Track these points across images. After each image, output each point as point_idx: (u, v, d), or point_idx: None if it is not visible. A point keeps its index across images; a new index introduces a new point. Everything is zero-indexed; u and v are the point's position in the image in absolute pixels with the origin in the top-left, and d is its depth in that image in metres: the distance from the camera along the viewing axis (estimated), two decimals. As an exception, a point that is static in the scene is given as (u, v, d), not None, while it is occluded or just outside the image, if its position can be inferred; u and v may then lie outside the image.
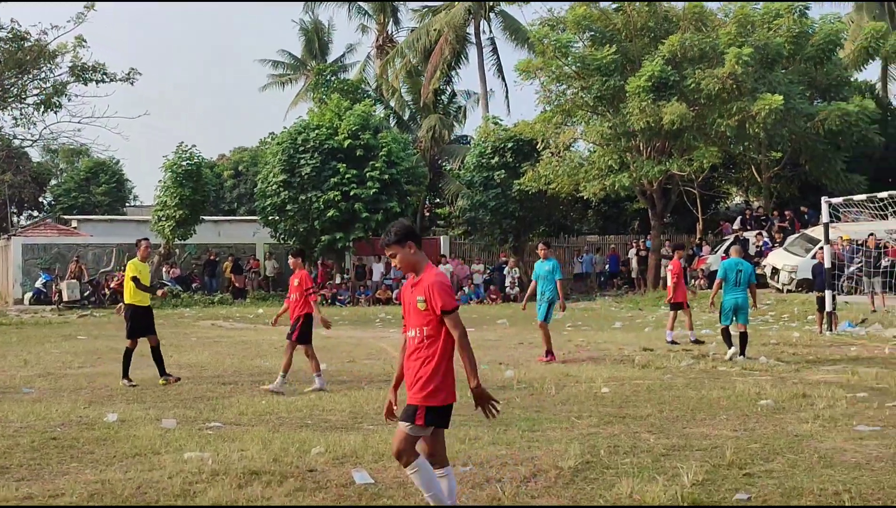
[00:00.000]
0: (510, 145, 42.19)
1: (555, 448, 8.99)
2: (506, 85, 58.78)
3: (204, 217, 42.12)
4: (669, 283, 21.52)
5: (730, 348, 17.64)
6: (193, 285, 41.14)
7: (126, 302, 15.05)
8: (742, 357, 17.37)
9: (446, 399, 6.49)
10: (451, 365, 6.41)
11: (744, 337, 17.64)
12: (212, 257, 42.61)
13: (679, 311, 21.44)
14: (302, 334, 14.14)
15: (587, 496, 7.32)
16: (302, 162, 39.61)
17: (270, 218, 40.75)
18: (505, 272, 41.59)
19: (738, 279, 17.68)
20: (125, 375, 14.60)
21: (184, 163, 39.99)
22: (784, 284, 32.99)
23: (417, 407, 6.42)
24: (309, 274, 14.85)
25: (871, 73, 51.96)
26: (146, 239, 15.89)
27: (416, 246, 6.61)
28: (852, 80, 45.58)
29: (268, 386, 13.77)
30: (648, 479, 7.67)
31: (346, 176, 39.17)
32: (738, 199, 50.71)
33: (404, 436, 6.45)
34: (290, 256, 15.05)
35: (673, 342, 20.42)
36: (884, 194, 24.65)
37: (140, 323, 14.93)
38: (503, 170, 41.91)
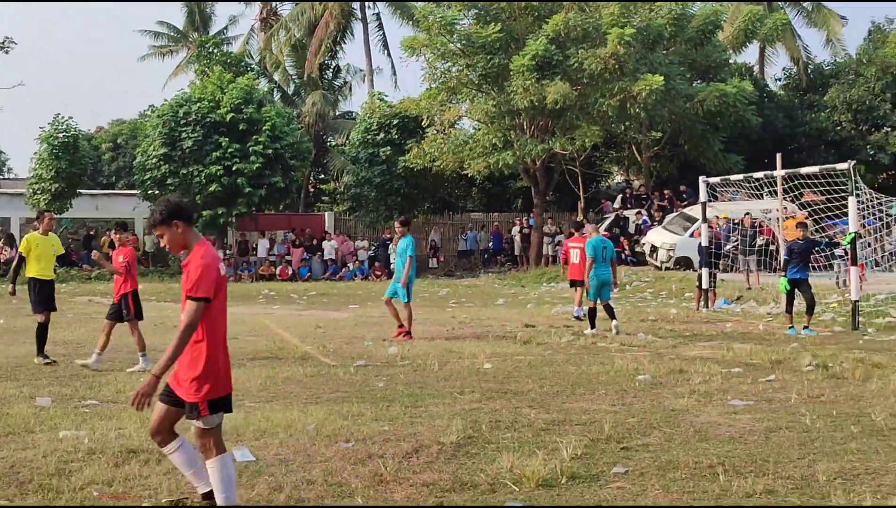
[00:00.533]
0: (396, 122, 42.14)
1: (437, 424, 9.02)
2: (392, 61, 58.70)
3: (81, 190, 41.17)
4: (575, 261, 21.41)
5: (592, 328, 18.21)
6: (72, 260, 40.20)
7: (29, 275, 14.59)
8: (615, 322, 18.08)
9: (216, 389, 6.09)
10: (218, 353, 6.12)
11: (609, 307, 18.42)
12: (89, 232, 41.66)
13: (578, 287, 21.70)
14: (138, 311, 14.05)
15: (468, 470, 7.36)
16: (183, 135, 38.97)
17: (150, 192, 39.95)
18: (389, 249, 41.52)
19: (604, 256, 18.18)
20: (40, 352, 14.16)
21: (60, 136, 39.05)
22: (662, 262, 33.63)
23: (197, 404, 6.02)
24: (136, 251, 14.60)
25: (749, 55, 53.29)
26: (49, 210, 15.43)
27: (184, 224, 6.09)
28: (731, 61, 46.59)
29: (83, 362, 13.67)
30: (529, 453, 7.74)
31: (229, 150, 38.68)
32: (618, 178, 51.50)
33: (162, 416, 6.21)
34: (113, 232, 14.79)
35: (578, 318, 20.62)
36: (759, 174, 25.29)
37: (43, 295, 14.51)
38: (389, 147, 41.86)
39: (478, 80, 37.59)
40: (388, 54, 55.42)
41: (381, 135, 42.31)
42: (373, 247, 42.48)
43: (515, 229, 43.02)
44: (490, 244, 44.89)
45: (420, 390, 11.25)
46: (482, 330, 18.79)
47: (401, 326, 17.43)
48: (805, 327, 18.61)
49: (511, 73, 35.31)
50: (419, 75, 39.26)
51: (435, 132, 39.28)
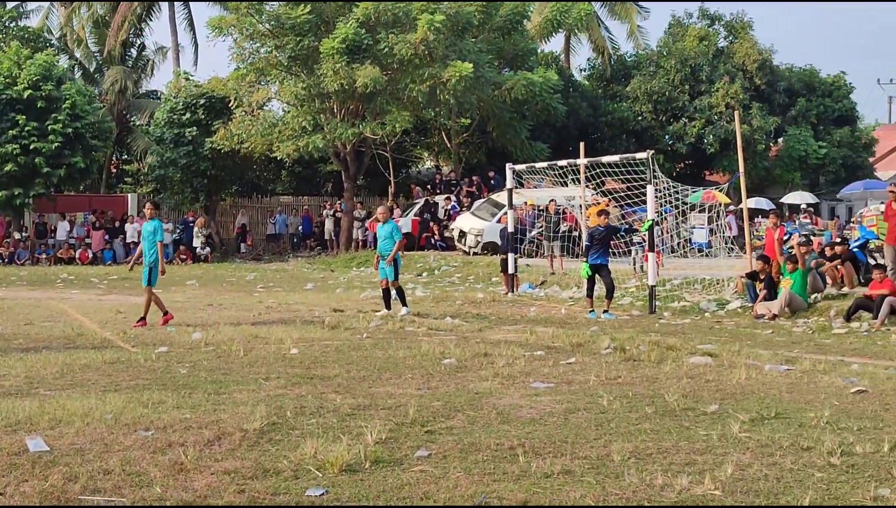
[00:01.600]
0: (202, 102, 41.26)
1: (241, 411, 8.89)
2: (197, 41, 57.21)
3: None
4: None
5: (386, 308, 18.85)
6: None
7: None
8: (405, 308, 18.70)
9: None
10: None
11: (401, 291, 19.13)
12: None
13: None
14: None
15: (271, 457, 7.28)
16: (-24, 112, 37.25)
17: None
18: (195, 232, 40.68)
19: (393, 236, 19.02)
20: None
21: None
22: (470, 247, 34.08)
23: None
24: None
25: (555, 44, 54.47)
26: None
27: None
28: (538, 51, 47.55)
29: None
30: (333, 439, 7.72)
31: (26, 128, 37.21)
32: (429, 164, 51.91)
33: None
34: None
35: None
36: (563, 162, 25.91)
37: None
38: (195, 128, 40.95)
39: (287, 62, 37.15)
40: (194, 33, 53.99)
41: (188, 115, 41.34)
42: (177, 230, 41.50)
43: (326, 213, 42.84)
44: (300, 228, 44.59)
45: (224, 376, 11.08)
46: (290, 314, 18.67)
47: (165, 314, 17.20)
48: (605, 311, 19.21)
49: (321, 55, 35.07)
50: (227, 55, 38.55)
51: (243, 113, 38.68)
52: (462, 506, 6.17)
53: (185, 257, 39.18)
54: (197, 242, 40.39)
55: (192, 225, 40.83)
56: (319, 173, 48.23)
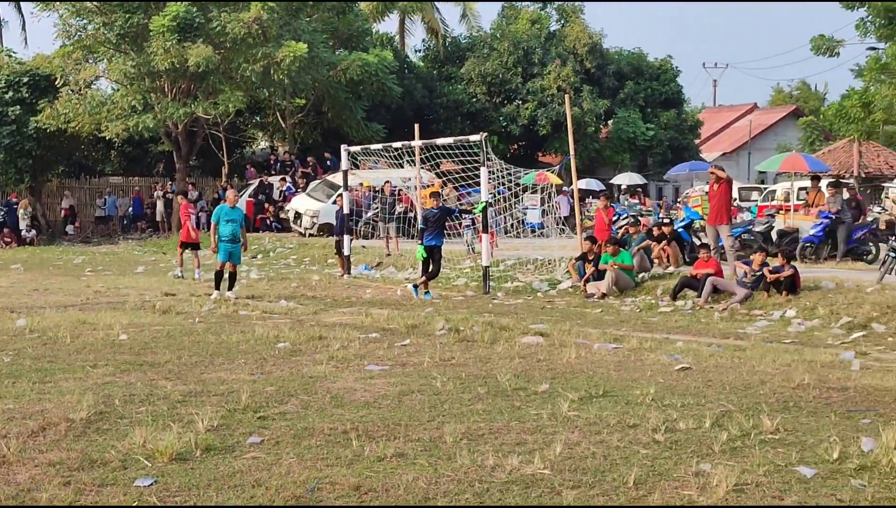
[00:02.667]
0: (26, 80, 39.71)
1: (67, 400, 8.63)
2: (22, 16, 55.11)
3: None
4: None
5: (216, 290, 18.85)
6: None
7: None
8: (232, 292, 18.64)
9: None
10: None
11: (234, 276, 19.19)
12: None
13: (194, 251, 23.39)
14: None
15: (98, 447, 7.09)
16: None
17: None
18: (20, 214, 39.19)
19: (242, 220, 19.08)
20: None
21: None
22: (306, 228, 33.88)
23: None
24: None
25: (389, 25, 54.43)
26: None
27: None
28: (373, 31, 47.47)
29: None
30: (163, 427, 7.57)
31: None
32: (263, 144, 51.31)
33: None
34: None
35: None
36: (398, 144, 25.94)
37: None
38: (18, 106, 39.39)
39: (116, 40, 36.09)
40: (19, 8, 51.99)
41: (10, 93, 39.70)
42: (1, 212, 39.89)
43: (157, 194, 41.89)
44: (130, 210, 43.49)
45: (50, 364, 10.71)
46: (119, 299, 18.19)
47: None
48: (426, 292, 19.35)
49: (151, 33, 34.22)
50: (52, 32, 37.23)
51: (70, 92, 37.46)
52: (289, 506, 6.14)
53: (9, 240, 37.73)
54: (22, 225, 38.91)
55: (15, 207, 39.32)
56: (150, 153, 47.10)
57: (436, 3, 53.70)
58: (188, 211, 24.73)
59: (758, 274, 17.85)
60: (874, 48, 36.43)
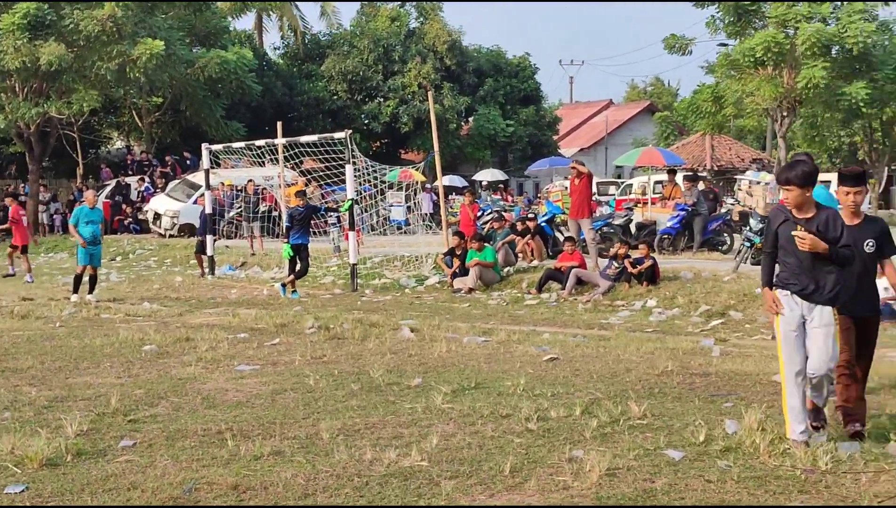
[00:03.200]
0: None
1: (-75, 410, 8.35)
2: None
3: None
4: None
5: (75, 293, 18.39)
6: None
7: None
8: (92, 296, 18.24)
9: None
10: None
11: (94, 279, 18.80)
12: None
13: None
14: None
15: (-37, 457, 6.90)
16: None
17: None
18: None
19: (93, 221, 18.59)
20: None
21: None
22: (166, 229, 33.30)
23: None
24: None
25: (247, 22, 53.86)
26: None
27: None
28: (230, 29, 46.88)
29: None
30: (31, 433, 7.39)
31: None
32: (119, 144, 50.17)
33: None
34: None
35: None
36: (261, 142, 25.67)
37: None
38: None
39: (-38, 38, 34.87)
40: None
41: None
42: None
43: (9, 199, 40.55)
44: (-19, 213, 42.02)
45: None
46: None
47: None
48: (293, 291, 19.25)
49: (0, 32, 33.13)
50: None
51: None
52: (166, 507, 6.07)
53: None
54: None
55: None
56: (1, 155, 45.59)
57: (294, 0, 53.37)
58: (19, 213, 24.31)
59: (620, 266, 18.26)
60: (724, 44, 37.56)
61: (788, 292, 7.13)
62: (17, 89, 35.18)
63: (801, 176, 7.02)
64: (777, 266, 7.28)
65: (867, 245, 7.47)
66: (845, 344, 7.53)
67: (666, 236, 22.78)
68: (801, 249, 6.96)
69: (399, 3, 51.82)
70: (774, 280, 7.28)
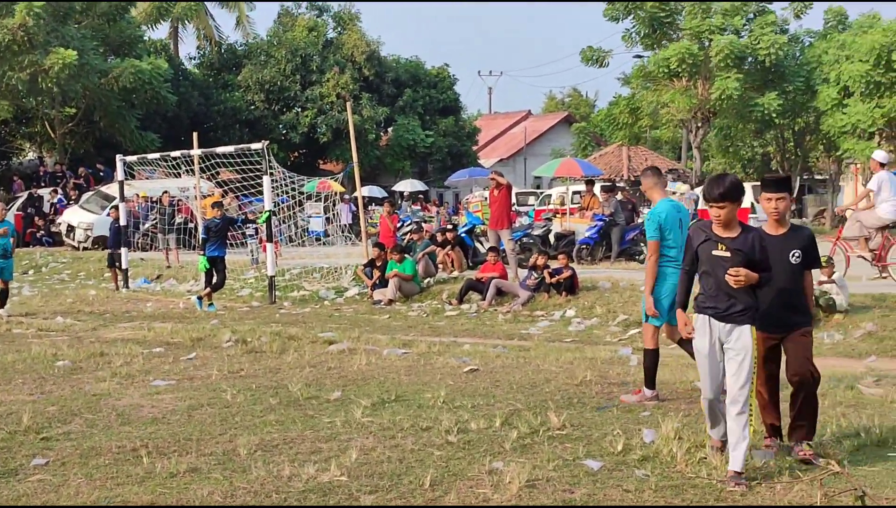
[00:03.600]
0: None
1: None
2: None
3: None
4: None
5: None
6: None
7: None
8: (3, 310, 17.94)
9: None
10: None
11: (5, 293, 18.41)
12: None
13: None
14: None
15: None
16: None
17: None
18: None
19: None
20: None
21: None
22: (80, 242, 32.77)
23: None
24: None
25: (162, 32, 53.28)
26: None
27: None
28: (145, 38, 46.35)
29: None
30: (-63, 454, 7.19)
31: None
32: (31, 155, 49.24)
33: None
34: None
35: None
36: (176, 153, 25.42)
37: None
38: None
39: None
40: None
41: None
42: None
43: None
44: None
45: None
46: None
47: None
48: (210, 304, 19.06)
49: None
50: None
51: None
52: (84, 515, 5.93)
53: None
54: None
55: None
56: None
57: (209, 9, 52.98)
58: None
59: (540, 276, 18.36)
60: (640, 56, 38.10)
61: (706, 316, 6.71)
62: (-75, 98, 34.45)
63: (733, 189, 6.57)
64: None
65: (793, 256, 7.08)
66: (763, 364, 7.15)
67: (584, 246, 22.97)
68: (733, 285, 6.53)
69: (316, 13, 51.66)
70: (692, 302, 6.91)
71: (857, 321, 14.37)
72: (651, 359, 9.29)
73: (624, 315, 16.33)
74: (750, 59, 33.82)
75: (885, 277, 17.40)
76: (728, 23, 33.48)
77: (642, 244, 23.25)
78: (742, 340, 6.60)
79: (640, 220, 24.91)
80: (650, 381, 9.29)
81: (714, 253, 6.64)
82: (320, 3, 51.89)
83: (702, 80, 33.83)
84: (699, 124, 35.47)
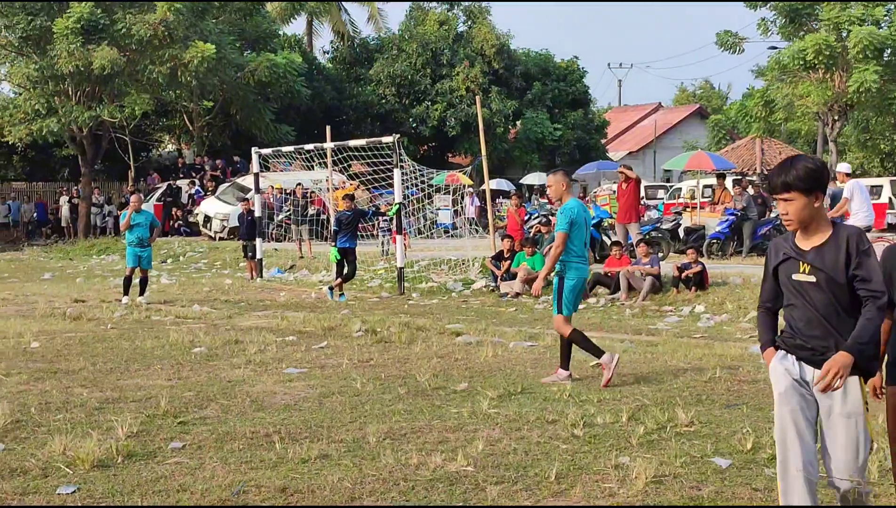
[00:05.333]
0: (-76, 84, 38.80)
1: (-19, 409, 8.50)
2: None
3: None
4: None
5: (125, 295, 18.62)
6: None
7: None
8: (143, 297, 18.49)
9: None
10: None
11: (145, 281, 19.01)
12: None
13: None
14: None
15: (18, 456, 7.00)
16: None
17: None
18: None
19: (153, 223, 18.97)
20: None
21: None
22: (216, 232, 33.60)
23: None
24: None
25: (297, 27, 54.23)
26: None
27: None
28: (280, 33, 47.23)
29: None
30: (82, 434, 7.50)
31: None
32: (170, 147, 50.69)
33: None
34: None
35: None
36: (310, 146, 25.89)
37: None
38: (-84, 111, 38.42)
39: (18, 43, 35.46)
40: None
41: None
42: None
43: (63, 199, 41.18)
44: (34, 215, 42.64)
45: (-40, 375, 10.52)
46: (28, 307, 17.85)
47: None
48: (340, 294, 19.35)
49: (54, 36, 33.64)
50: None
51: (-29, 97, 36.71)
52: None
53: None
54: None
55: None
56: (55, 158, 46.24)
57: (343, 4, 53.67)
58: None
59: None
60: (774, 47, 37.31)
61: (792, 357, 5.02)
62: (71, 93, 35.73)
63: (805, 176, 4.85)
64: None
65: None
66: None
67: (715, 241, 22.64)
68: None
69: (447, 7, 51.90)
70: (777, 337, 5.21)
71: None
72: (572, 340, 10.00)
73: (755, 311, 16.02)
74: (889, 50, 32.85)
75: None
76: (868, 14, 32.54)
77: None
78: (848, 398, 4.88)
79: (772, 215, 24.43)
80: (566, 361, 10.01)
81: (795, 277, 4.97)
82: (451, -3, 52.13)
83: (839, 72, 32.95)
84: (835, 117, 34.55)
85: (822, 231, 4.91)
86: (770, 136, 43.51)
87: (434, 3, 52.15)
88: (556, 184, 10.24)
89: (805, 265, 4.90)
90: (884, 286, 4.79)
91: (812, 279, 4.88)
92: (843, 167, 18.89)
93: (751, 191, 24.46)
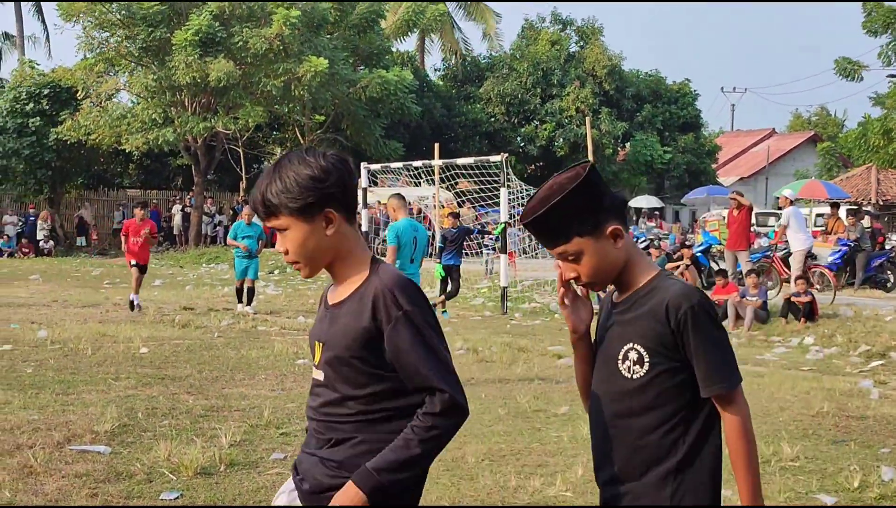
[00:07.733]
0: (47, 92, 39.97)
1: (91, 412, 8.69)
2: (46, 28, 55.54)
3: None
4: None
5: (239, 303, 18.90)
6: None
7: None
8: (250, 307, 18.71)
9: None
10: None
11: (252, 291, 19.16)
12: None
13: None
14: None
15: (124, 460, 7.15)
16: None
17: None
18: (38, 225, 39.36)
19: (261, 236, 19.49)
20: None
21: None
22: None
23: None
24: None
25: (409, 44, 54.70)
26: None
27: None
28: (393, 50, 47.67)
29: None
30: (187, 441, 7.63)
31: None
32: (281, 160, 51.39)
33: None
34: None
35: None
36: (418, 163, 26.03)
37: None
38: (39, 118, 39.62)
39: (138, 53, 36.41)
40: (42, 20, 52.43)
41: (31, 105, 39.93)
42: (20, 223, 40.02)
43: (176, 208, 42.08)
44: (148, 223, 43.62)
45: (72, 376, 10.79)
46: (138, 312, 18.25)
47: None
48: (443, 311, 19.36)
49: (173, 47, 34.46)
50: (75, 44, 37.59)
51: (91, 104, 37.70)
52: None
53: (27, 251, 37.86)
54: (40, 235, 39.09)
55: (34, 218, 39.50)
56: (169, 167, 47.29)
57: (457, 22, 53.98)
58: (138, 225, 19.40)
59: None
60: (894, 75, 36.48)
61: None
62: (187, 104, 36.53)
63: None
64: None
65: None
66: None
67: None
68: None
69: (560, 27, 51.84)
70: None
71: None
72: None
73: (866, 345, 15.61)
74: None
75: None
76: None
77: (889, 272, 22.26)
78: None
79: (888, 246, 23.83)
80: None
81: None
82: (565, 16, 52.07)
83: (961, 102, 32.09)
84: (956, 148, 33.64)
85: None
86: (889, 166, 42.43)
87: (547, 24, 52.15)
88: (390, 205, 11.65)
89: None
90: None
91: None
92: (787, 192, 20.28)
93: (866, 222, 23.89)
